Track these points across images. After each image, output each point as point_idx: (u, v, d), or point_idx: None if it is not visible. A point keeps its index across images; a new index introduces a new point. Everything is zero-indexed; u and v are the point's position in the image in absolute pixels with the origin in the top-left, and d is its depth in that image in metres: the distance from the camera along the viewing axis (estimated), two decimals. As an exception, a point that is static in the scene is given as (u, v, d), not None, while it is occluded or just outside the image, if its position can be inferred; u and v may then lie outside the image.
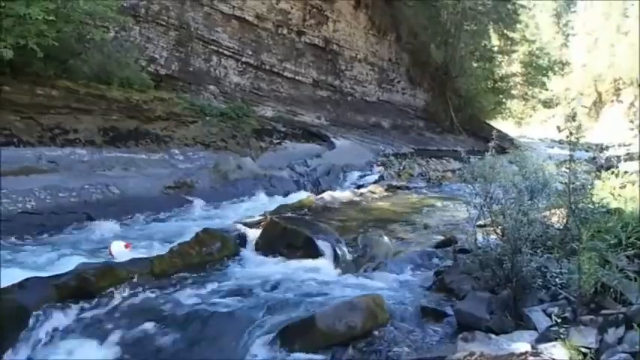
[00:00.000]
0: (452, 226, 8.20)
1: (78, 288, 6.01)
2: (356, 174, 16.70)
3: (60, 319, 5.66)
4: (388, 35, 27.93)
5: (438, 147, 26.20)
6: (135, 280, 6.31)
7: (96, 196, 11.44)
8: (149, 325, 5.56)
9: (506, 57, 35.82)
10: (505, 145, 17.04)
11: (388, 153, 20.21)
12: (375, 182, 14.46)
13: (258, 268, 7.02)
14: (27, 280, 5.99)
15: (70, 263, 7.57)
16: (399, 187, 12.85)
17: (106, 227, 10.29)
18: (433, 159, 21.46)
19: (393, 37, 28.22)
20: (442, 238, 7.65)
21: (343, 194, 11.44)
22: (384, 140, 23.67)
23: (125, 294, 6.06)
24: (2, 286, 5.78)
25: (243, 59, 21.02)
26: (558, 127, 5.53)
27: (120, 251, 7.82)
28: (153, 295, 6.10)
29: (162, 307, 5.83)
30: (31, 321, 5.53)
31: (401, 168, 17.52)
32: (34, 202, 10.58)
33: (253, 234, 8.07)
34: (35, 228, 9.98)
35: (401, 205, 10.20)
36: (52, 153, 12.50)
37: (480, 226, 6.33)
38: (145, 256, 7.13)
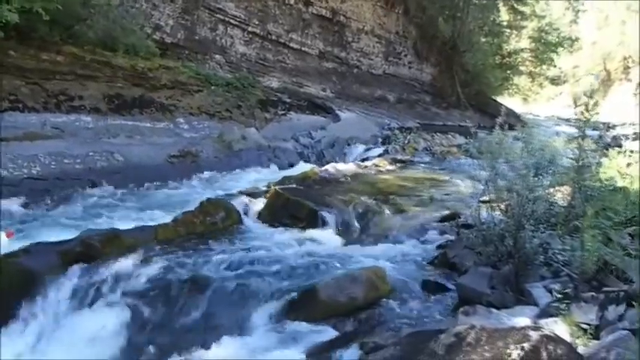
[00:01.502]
0: (456, 201, 8.20)
1: (83, 254, 6.08)
2: (360, 147, 16.66)
3: (64, 284, 5.73)
4: (396, 8, 27.60)
5: (443, 122, 26.07)
6: (139, 247, 6.36)
7: (100, 164, 11.46)
8: (152, 292, 5.62)
9: (515, 32, 35.37)
10: (511, 121, 16.96)
11: (393, 127, 20.13)
12: (380, 156, 14.44)
13: (262, 238, 7.06)
14: (32, 245, 6.05)
15: (75, 229, 7.67)
16: (403, 161, 12.82)
17: (109, 194, 10.37)
18: (438, 134, 21.36)
19: (401, 9, 27.88)
20: (446, 212, 7.66)
21: (347, 167, 11.42)
22: (389, 114, 23.57)
23: (129, 261, 6.09)
24: (8, 251, 5.84)
25: (250, 29, 20.83)
26: (575, 101, 5.46)
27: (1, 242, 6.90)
28: (156, 263, 6.11)
29: (166, 275, 5.87)
30: (35, 286, 5.60)
31: (406, 142, 17.46)
32: (39, 168, 10.60)
33: (257, 204, 8.10)
34: (40, 193, 10.03)
35: (405, 178, 10.18)
36: (57, 119, 12.47)
37: (484, 201, 6.33)
38: (150, 224, 7.18)
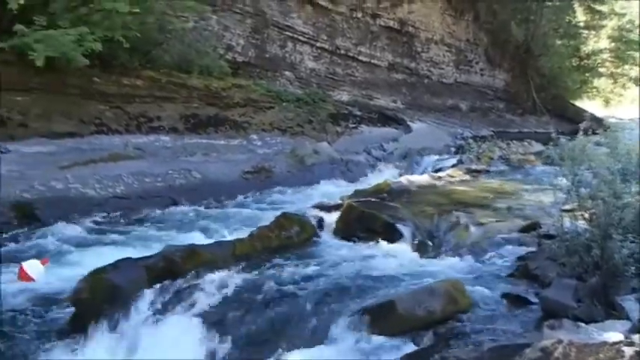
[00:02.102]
0: (536, 211, 7.92)
1: (165, 269, 6.29)
2: (434, 157, 16.46)
3: (149, 298, 5.94)
4: (465, 15, 27.21)
5: (519, 129, 25.44)
6: (218, 262, 6.51)
7: (179, 181, 11.88)
8: (231, 306, 5.72)
9: (594, 32, 34.06)
10: (592, 125, 16.31)
11: (467, 136, 19.79)
12: (454, 166, 14.19)
13: (337, 251, 7.07)
14: (120, 260, 6.32)
15: (157, 245, 7.96)
16: (478, 171, 12.53)
17: (188, 210, 10.71)
18: (514, 141, 20.79)
19: (470, 16, 27.46)
20: (525, 222, 7.42)
21: (421, 178, 11.30)
22: (462, 123, 23.21)
23: (208, 275, 6.23)
24: (99, 267, 6.14)
25: (318, 44, 21.08)
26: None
27: (38, 271, 6.94)
28: (234, 277, 6.22)
29: (244, 289, 5.97)
30: (123, 300, 5.84)
31: (480, 151, 17.09)
32: (123, 187, 11.10)
33: (331, 218, 8.12)
34: (124, 211, 10.48)
35: (481, 188, 9.95)
36: (138, 140, 13.04)
37: (567, 210, 6.09)
38: (227, 239, 7.35)
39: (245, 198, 11.93)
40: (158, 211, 10.65)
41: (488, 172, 12.93)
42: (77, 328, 5.79)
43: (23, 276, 6.89)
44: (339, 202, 8.91)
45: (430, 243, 7.35)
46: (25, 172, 11.06)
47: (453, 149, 17.80)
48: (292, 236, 7.34)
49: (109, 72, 14.42)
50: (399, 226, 7.50)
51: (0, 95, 12.26)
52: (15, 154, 11.56)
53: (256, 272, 6.32)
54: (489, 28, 28.49)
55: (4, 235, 9.48)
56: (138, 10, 12.68)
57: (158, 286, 6.09)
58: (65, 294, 6.56)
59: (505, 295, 5.36)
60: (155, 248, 7.36)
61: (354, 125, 18.42)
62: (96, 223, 10.21)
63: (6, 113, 12.32)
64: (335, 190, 12.27)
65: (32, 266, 7.01)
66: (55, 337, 5.81)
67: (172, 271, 6.30)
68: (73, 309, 6.04)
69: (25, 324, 6.26)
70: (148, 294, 5.97)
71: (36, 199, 10.49)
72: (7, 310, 6.57)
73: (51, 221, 10.10)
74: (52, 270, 7.81)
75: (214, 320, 5.54)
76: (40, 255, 8.09)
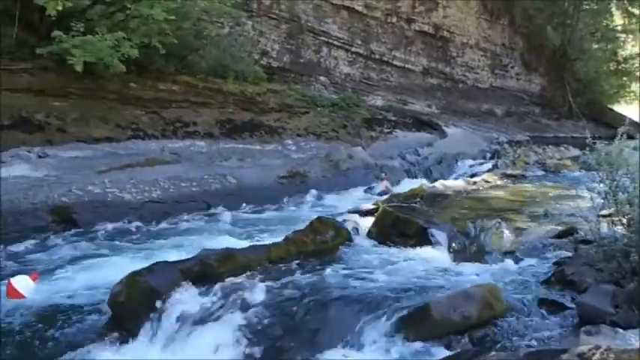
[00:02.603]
0: (572, 216, 7.80)
1: (201, 272, 6.36)
2: (469, 162, 16.36)
3: (185, 301, 6.02)
4: (501, 19, 26.96)
5: (555, 134, 25.08)
6: (253, 266, 6.58)
7: (215, 186, 12.03)
8: (266, 309, 5.76)
9: (631, 36, 33.36)
10: (630, 130, 15.98)
11: (502, 141, 19.60)
12: (489, 171, 14.07)
13: (372, 256, 7.06)
14: (156, 264, 6.42)
15: (192, 249, 8.06)
16: (514, 176, 12.39)
17: (223, 215, 10.83)
18: (550, 146, 20.52)
19: (506, 20, 27.20)
20: (562, 228, 7.32)
21: (456, 183, 11.23)
22: (497, 128, 22.99)
23: (244, 279, 6.30)
24: (135, 270, 6.25)
25: (353, 49, 21.13)
26: None
27: (27, 287, 6.63)
28: (269, 281, 6.26)
29: (279, 293, 5.99)
30: (159, 303, 5.94)
31: (516, 156, 16.91)
32: (159, 192, 11.28)
33: (366, 223, 8.13)
34: (160, 215, 10.64)
35: (517, 193, 9.84)
36: (174, 145, 13.26)
37: (604, 215, 6.00)
38: (262, 243, 7.41)
39: (280, 203, 12.01)
40: (194, 216, 10.79)
41: (524, 177, 12.77)
42: (114, 331, 5.89)
43: (11, 292, 6.57)
44: (374, 206, 8.90)
45: (465, 248, 7.29)
46: (63, 176, 11.32)
47: (488, 154, 17.64)
48: (327, 240, 7.36)
49: (145, 77, 14.73)
50: (434, 230, 7.45)
51: (38, 100, 12.64)
52: (53, 158, 11.85)
53: (291, 276, 6.34)
54: (525, 32, 28.17)
55: (44, 239, 9.73)
56: (174, 17, 12.91)
57: (194, 288, 6.16)
58: (101, 297, 6.71)
59: (541, 301, 5.30)
60: (191, 252, 7.44)
61: (388, 130, 18.40)
62: (132, 227, 10.38)
63: (44, 118, 12.66)
64: (369, 195, 12.28)
65: (21, 282, 6.70)
66: (94, 340, 5.92)
67: (208, 274, 6.37)
68: (110, 312, 6.16)
69: (63, 327, 6.40)
70: (184, 296, 6.03)
71: (74, 204, 10.72)
72: (44, 311, 6.73)
73: (88, 225, 10.33)
74: (90, 273, 8.00)
75: (249, 324, 5.57)
76: (75, 259, 8.24)
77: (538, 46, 28.95)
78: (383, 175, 14.02)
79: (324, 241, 7.37)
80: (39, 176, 10.99)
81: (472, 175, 13.65)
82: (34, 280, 6.57)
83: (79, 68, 12.27)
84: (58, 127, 12.56)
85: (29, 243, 9.34)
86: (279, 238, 7.45)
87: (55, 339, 6.10)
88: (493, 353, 4.33)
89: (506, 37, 27.52)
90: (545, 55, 29.47)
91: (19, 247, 9.14)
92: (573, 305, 5.02)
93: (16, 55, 13.64)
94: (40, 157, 11.64)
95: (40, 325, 6.40)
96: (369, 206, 9.20)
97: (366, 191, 13.47)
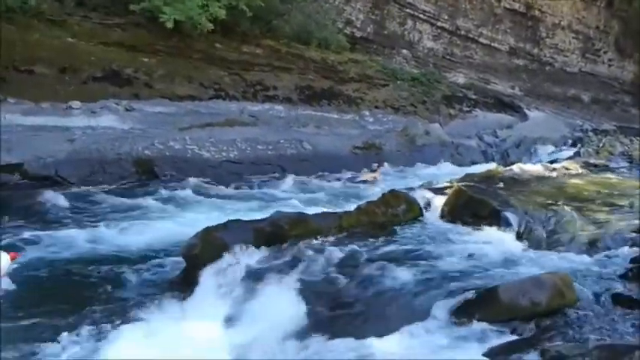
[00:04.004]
0: (657, 212, 7.48)
1: (272, 234, 6.52)
2: (549, 148, 15.86)
3: (253, 259, 6.20)
4: (598, 1, 25.61)
5: (645, 125, 23.84)
6: (324, 232, 6.67)
7: (290, 151, 12.23)
8: (331, 276, 5.86)
9: None
10: None
11: (586, 128, 18.86)
12: (570, 158, 13.58)
13: (442, 234, 7.00)
14: (230, 221, 6.65)
15: (264, 210, 8.26)
16: (596, 166, 11.90)
17: (297, 180, 11.01)
18: (638, 138, 19.55)
19: (603, 2, 25.82)
20: (644, 223, 7.00)
21: (534, 168, 10.88)
22: (582, 114, 22.11)
23: (314, 244, 6.40)
24: (210, 225, 6.47)
25: (439, 24, 20.68)
26: None
27: (4, 265, 6.29)
28: (338, 248, 6.33)
29: (346, 261, 6.07)
30: (231, 258, 6.13)
31: (600, 145, 16.23)
32: (236, 152, 11.59)
33: (438, 200, 8.02)
34: (236, 176, 10.93)
35: (598, 184, 9.44)
36: (253, 108, 13.53)
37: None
38: (334, 211, 7.49)
39: (353, 172, 12.08)
40: (268, 178, 11.02)
41: (607, 167, 12.25)
42: (187, 281, 6.17)
43: None
44: (448, 184, 8.79)
45: (539, 234, 7.10)
46: (147, 130, 11.82)
47: (570, 141, 17.02)
48: (398, 214, 7.35)
49: (230, 39, 14.98)
50: (508, 214, 7.29)
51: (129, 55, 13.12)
52: (139, 112, 12.38)
53: (360, 246, 6.39)
54: (623, 16, 26.64)
55: (125, 187, 10.22)
56: (262, -20, 13.03)
57: (265, 249, 6.33)
58: (176, 248, 7.01)
59: (615, 296, 5.13)
60: (263, 213, 7.64)
61: (467, 109, 18.05)
62: (209, 183, 10.75)
63: (133, 73, 13.17)
64: (444, 172, 12.14)
65: None
66: (166, 289, 6.23)
67: (279, 236, 6.52)
68: (184, 263, 6.42)
69: (139, 274, 6.75)
70: (254, 255, 6.22)
71: (156, 157, 11.21)
72: (121, 258, 7.10)
73: (168, 178, 10.76)
74: (167, 224, 8.37)
75: (314, 288, 5.69)
76: None
77: (635, 31, 27.33)
78: (375, 165, 12.82)
79: (395, 215, 7.37)
80: (125, 128, 11.53)
81: (552, 162, 13.20)
82: (13, 259, 6.36)
83: (169, 25, 12.66)
84: (145, 83, 13.04)
85: (113, 191, 9.86)
86: (351, 207, 7.51)
87: (130, 286, 6.46)
88: (560, 343, 4.27)
89: (601, 19, 26.14)
90: (642, 42, 27.89)
91: (103, 194, 9.65)
92: (650, 303, 4.84)
93: (110, 10, 14.17)
94: (127, 110, 12.16)
95: (116, 271, 6.78)
96: (443, 183, 9.09)
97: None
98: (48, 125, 11.11)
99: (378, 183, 11.60)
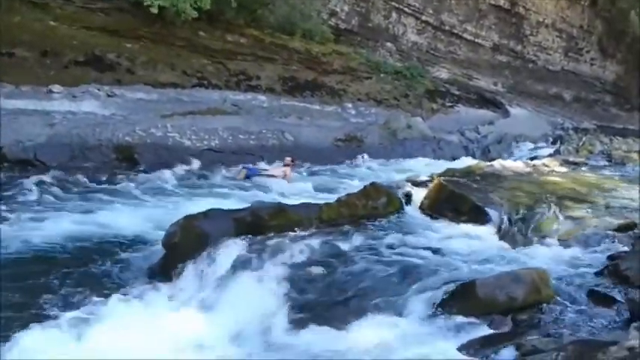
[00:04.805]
0: (633, 211, 7.57)
1: (252, 223, 6.51)
2: (529, 145, 16.00)
3: (233, 249, 6.16)
4: (582, 0, 25.81)
5: (624, 125, 24.16)
6: (303, 223, 6.65)
7: (272, 141, 12.21)
8: (310, 267, 5.85)
9: None
10: None
11: (567, 127, 19.07)
12: (550, 156, 13.70)
13: (422, 228, 7.03)
14: (210, 210, 6.62)
15: (243, 200, 8.23)
16: (576, 164, 12.00)
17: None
18: (618, 137, 19.77)
19: (587, 2, 26.02)
20: (621, 221, 7.08)
21: (514, 164, 10.98)
22: (563, 113, 22.32)
23: (293, 235, 6.38)
24: (190, 214, 6.42)
25: (423, 18, 20.70)
26: None
27: None
28: (318, 239, 6.33)
29: (326, 253, 6.09)
30: (210, 247, 6.10)
31: (580, 144, 16.40)
32: (217, 141, 11.53)
33: (419, 194, 8.05)
34: (217, 164, 10.88)
35: (577, 182, 9.53)
36: (236, 97, 13.48)
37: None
38: (314, 202, 7.47)
39: (334, 165, 12.06)
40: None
41: (586, 165, 12.38)
42: (166, 269, 6.16)
43: None
44: (429, 179, 8.81)
45: (518, 230, 7.15)
46: (128, 116, 11.71)
47: (550, 139, 17.18)
48: (378, 207, 7.35)
49: (214, 28, 14.87)
50: (488, 209, 7.33)
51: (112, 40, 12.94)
52: (120, 98, 12.27)
53: (340, 238, 6.40)
54: (606, 16, 26.90)
55: (105, 173, 10.13)
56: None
57: (244, 238, 6.29)
58: (155, 235, 6.96)
59: (591, 292, 5.19)
60: (242, 203, 7.61)
61: (450, 104, 18.14)
62: (189, 172, 10.69)
63: (116, 58, 13.04)
64: (424, 167, 12.17)
65: None
66: (145, 276, 6.20)
67: (259, 226, 6.51)
68: (163, 251, 6.38)
69: (118, 262, 6.70)
70: (234, 245, 6.18)
71: (137, 144, 11.14)
72: (99, 246, 7.04)
73: (148, 166, 10.67)
74: (146, 211, 8.31)
75: (293, 278, 5.68)
76: None
77: (618, 31, 27.63)
78: (288, 158, 11.51)
79: (375, 207, 7.37)
80: (106, 114, 11.44)
81: (532, 158, 13.33)
82: None
83: (154, 10, 12.53)
84: (128, 69, 12.91)
85: (92, 176, 9.77)
86: (332, 199, 7.50)
87: (109, 274, 6.40)
88: (536, 337, 4.31)
89: (585, 19, 26.35)
90: (624, 42, 28.12)
91: (82, 179, 9.56)
92: (624, 300, 4.89)
93: (94, -6, 13.97)
94: (108, 95, 12.05)
95: (94, 260, 6.72)
96: (424, 178, 9.10)
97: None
98: (28, 109, 11.03)
99: (290, 180, 10.83)
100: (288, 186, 10.32)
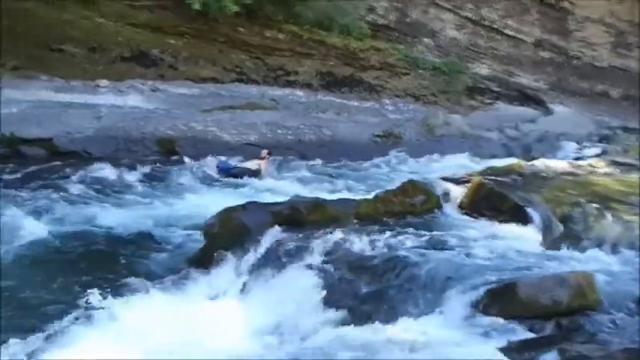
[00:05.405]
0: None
1: (290, 217, 6.55)
2: (573, 145, 15.61)
3: (272, 242, 6.20)
4: (632, -8, 25.04)
5: (679, 124, 23.40)
6: (341, 218, 6.63)
7: (309, 137, 12.26)
8: (347, 263, 5.83)
9: None
10: None
11: (614, 126, 18.51)
12: (596, 156, 13.34)
13: (460, 227, 6.90)
14: (249, 203, 6.76)
15: (281, 194, 8.29)
16: (624, 165, 11.63)
17: (315, 165, 11.00)
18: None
19: (637, -6, 25.24)
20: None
21: (557, 164, 10.69)
22: (610, 111, 21.65)
23: (331, 230, 6.35)
24: (230, 205, 6.48)
25: (463, 13, 20.37)
26: None
27: None
28: (355, 235, 6.28)
29: (363, 249, 6.03)
30: (248, 239, 6.15)
31: (629, 144, 15.90)
32: (256, 136, 11.66)
33: (457, 192, 7.89)
34: (255, 159, 10.94)
35: (625, 183, 9.19)
36: (274, 92, 13.55)
37: None
38: (352, 198, 7.45)
39: (371, 161, 12.03)
40: (287, 163, 11.02)
41: (635, 166, 12.01)
42: (205, 259, 6.28)
43: None
44: (468, 176, 8.66)
45: (561, 232, 6.97)
46: (170, 111, 11.96)
47: (596, 138, 16.73)
48: (416, 204, 7.26)
49: (253, 23, 14.95)
50: (529, 209, 7.15)
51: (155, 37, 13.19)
52: (163, 93, 12.53)
53: (377, 234, 6.33)
54: (659, 10, 26.04)
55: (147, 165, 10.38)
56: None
57: (281, 231, 6.34)
58: (194, 225, 7.06)
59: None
60: (279, 197, 7.67)
61: (489, 101, 17.83)
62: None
63: (159, 54, 13.30)
64: (463, 164, 12.03)
65: None
66: (185, 266, 6.32)
67: (296, 219, 6.56)
68: (203, 241, 6.50)
69: (158, 250, 6.85)
70: (272, 238, 6.24)
71: (178, 137, 11.40)
72: (141, 235, 7.19)
73: (188, 158, 10.84)
74: (187, 203, 8.48)
75: (329, 274, 5.68)
76: None
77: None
78: (264, 151, 10.94)
79: (412, 205, 7.28)
80: (150, 108, 11.73)
81: (576, 158, 13.00)
82: None
83: (197, 7, 12.69)
84: (170, 64, 13.19)
85: (136, 168, 10.05)
86: (369, 195, 7.46)
87: (149, 262, 6.57)
88: (580, 344, 4.18)
89: (635, 13, 25.51)
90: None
91: (126, 171, 9.83)
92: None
93: (138, -8, 14.25)
94: (152, 90, 12.32)
95: (136, 247, 6.89)
96: (462, 175, 8.95)
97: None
98: (77, 102, 11.48)
99: (266, 176, 10.44)
100: (260, 182, 10.05)
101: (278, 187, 9.68)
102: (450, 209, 7.58)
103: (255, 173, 10.33)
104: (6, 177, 9.28)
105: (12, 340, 4.74)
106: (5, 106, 10.77)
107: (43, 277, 6.06)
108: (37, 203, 8.22)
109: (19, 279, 6.04)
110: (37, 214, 7.76)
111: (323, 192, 8.82)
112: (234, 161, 10.88)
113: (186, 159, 10.85)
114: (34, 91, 11.46)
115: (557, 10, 22.66)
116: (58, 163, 10.25)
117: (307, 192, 8.66)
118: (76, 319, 5.11)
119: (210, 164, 10.62)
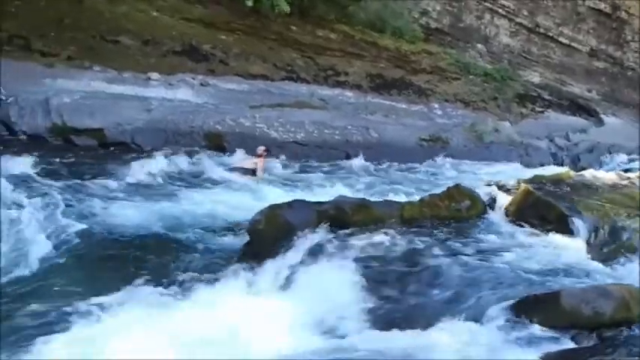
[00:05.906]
0: None
1: (335, 217, 6.58)
2: (623, 156, 15.24)
3: (316, 241, 6.26)
4: (692, 4, 24.29)
5: None
6: (385, 220, 6.68)
7: (356, 137, 12.30)
8: (391, 265, 5.87)
9: None
10: None
11: (669, 139, 17.94)
12: (649, 169, 13.02)
13: (505, 234, 6.87)
14: (295, 201, 6.80)
15: (325, 193, 8.34)
16: (679, 178, 11.34)
17: (361, 166, 11.05)
18: None
19: (698, 7, 24.47)
20: None
21: (606, 175, 10.47)
22: (664, 124, 21.05)
23: (375, 231, 6.41)
24: (275, 203, 6.59)
25: (517, 20, 20.10)
26: None
27: None
28: (399, 237, 6.32)
29: (406, 251, 6.07)
30: (293, 237, 6.23)
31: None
32: (303, 134, 11.74)
33: (504, 199, 7.86)
34: (301, 157, 11.06)
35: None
36: (323, 92, 13.62)
37: None
38: (397, 200, 7.49)
39: (417, 164, 12.01)
40: (333, 162, 11.10)
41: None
42: (249, 255, 6.31)
43: None
44: (515, 184, 8.61)
45: (607, 244, 6.88)
46: (219, 106, 12.12)
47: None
48: (462, 209, 7.25)
49: (305, 22, 15.09)
50: (575, 220, 7.06)
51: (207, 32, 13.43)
52: (213, 88, 12.70)
53: (421, 238, 6.36)
54: None
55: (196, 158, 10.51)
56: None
57: (326, 230, 6.38)
58: (240, 221, 7.17)
59: (687, 315, 4.94)
60: (324, 196, 7.71)
61: (540, 109, 17.56)
62: (275, 163, 10.88)
63: (210, 49, 13.50)
64: (510, 172, 11.88)
65: None
66: (229, 261, 6.40)
67: (341, 219, 6.59)
68: (248, 238, 6.57)
69: (205, 244, 6.96)
70: (316, 236, 6.29)
71: (226, 132, 11.51)
72: (186, 229, 7.32)
73: (235, 153, 10.99)
74: (233, 198, 8.58)
75: (372, 275, 5.71)
76: None
77: None
78: (260, 148, 10.40)
79: (458, 210, 7.27)
80: (199, 102, 11.88)
81: (626, 170, 12.69)
82: None
83: (249, 4, 12.87)
84: (221, 60, 13.36)
85: (184, 161, 10.18)
86: (414, 198, 7.48)
87: (194, 256, 6.65)
88: (624, 357, 4.15)
89: (693, 26, 24.81)
90: None
91: (175, 163, 9.96)
92: None
93: (192, -13, 14.54)
94: (202, 85, 12.50)
95: (182, 239, 7.02)
96: (509, 183, 8.89)
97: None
98: (128, 94, 11.59)
99: (262, 175, 10.07)
100: (256, 185, 9.63)
101: (323, 184, 9.76)
102: (496, 216, 7.54)
103: (251, 172, 10.01)
104: (56, 166, 9.31)
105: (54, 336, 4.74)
106: (58, 96, 10.94)
107: (87, 271, 6.12)
108: (87, 191, 8.30)
109: (64, 270, 6.06)
110: (85, 203, 7.82)
111: (368, 193, 8.84)
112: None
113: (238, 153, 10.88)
114: (87, 81, 11.61)
115: (614, 20, 22.12)
116: (108, 152, 10.44)
117: (351, 193, 8.70)
118: (120, 312, 5.16)
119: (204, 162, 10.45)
